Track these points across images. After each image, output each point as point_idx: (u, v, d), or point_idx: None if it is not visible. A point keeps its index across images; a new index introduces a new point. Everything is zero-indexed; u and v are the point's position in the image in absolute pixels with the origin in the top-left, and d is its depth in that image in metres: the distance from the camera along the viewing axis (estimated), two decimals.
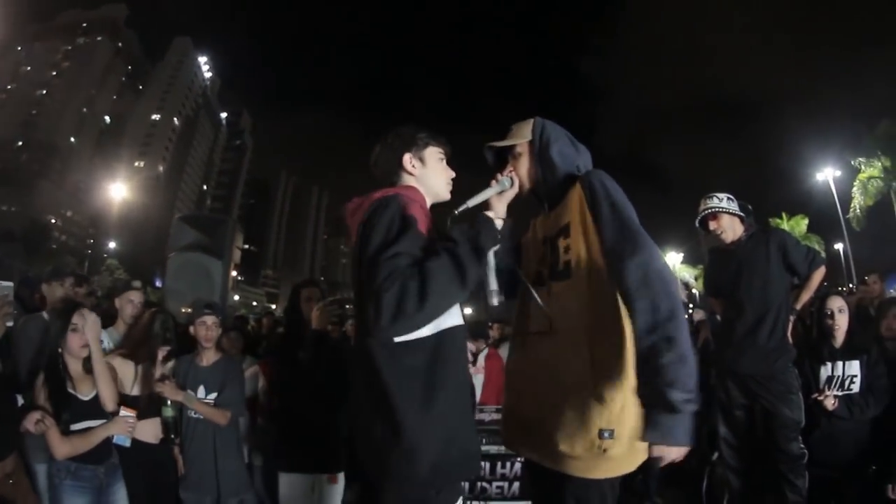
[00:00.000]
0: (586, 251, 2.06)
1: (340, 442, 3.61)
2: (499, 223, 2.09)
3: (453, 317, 1.89)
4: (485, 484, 4.06)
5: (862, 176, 26.12)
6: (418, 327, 1.74)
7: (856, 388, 3.74)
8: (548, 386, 2.05)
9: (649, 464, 2.00)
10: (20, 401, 2.96)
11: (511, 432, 2.34)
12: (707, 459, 4.50)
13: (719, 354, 4.11)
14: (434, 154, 2.12)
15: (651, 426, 1.85)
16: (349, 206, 2.01)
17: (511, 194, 2.23)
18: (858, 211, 26.28)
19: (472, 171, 2.35)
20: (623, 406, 1.89)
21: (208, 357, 3.77)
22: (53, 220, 78.01)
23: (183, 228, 7.21)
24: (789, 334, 3.85)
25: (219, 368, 3.75)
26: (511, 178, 2.23)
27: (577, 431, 1.91)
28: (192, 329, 3.77)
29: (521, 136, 2.33)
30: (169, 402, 3.49)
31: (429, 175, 2.10)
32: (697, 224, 4.02)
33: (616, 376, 1.90)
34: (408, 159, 2.07)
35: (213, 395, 3.67)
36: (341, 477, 3.61)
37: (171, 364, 3.68)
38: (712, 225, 3.94)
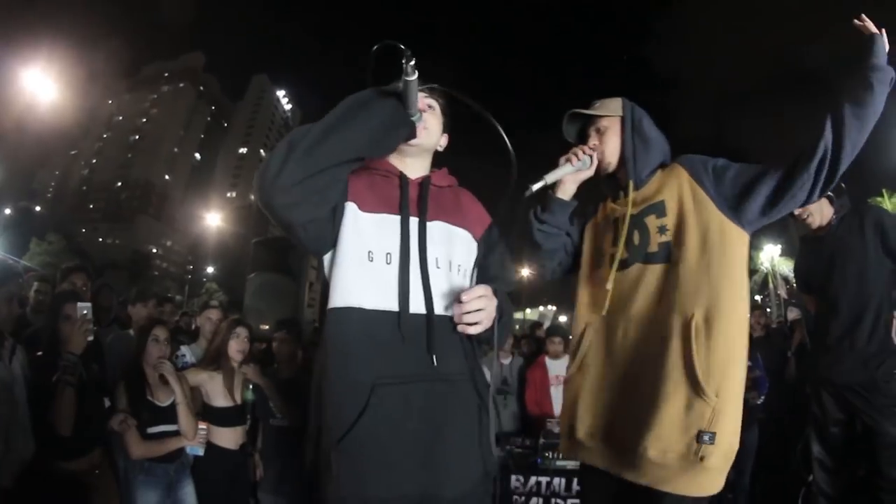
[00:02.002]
0: (698, 233, 1.82)
1: None
2: (567, 204, 2.03)
3: (339, 296, 1.54)
4: (559, 501, 3.91)
5: None
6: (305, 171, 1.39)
7: None
8: (632, 381, 1.82)
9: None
10: (107, 403, 3.22)
11: (577, 438, 1.95)
12: (803, 480, 3.96)
13: (812, 360, 3.48)
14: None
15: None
16: None
17: (587, 174, 2.05)
18: None
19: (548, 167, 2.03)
20: (728, 404, 1.66)
21: (287, 369, 3.91)
22: (154, 250, 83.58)
23: (260, 251, 7.46)
24: (894, 334, 3.08)
25: (297, 382, 3.82)
26: (591, 157, 2.02)
27: (671, 433, 1.66)
28: (273, 346, 3.99)
29: (611, 111, 2.09)
30: (251, 386, 3.67)
31: None
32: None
33: (724, 370, 1.68)
34: None
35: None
36: None
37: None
38: (797, 209, 3.30)
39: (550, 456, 4.13)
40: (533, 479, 3.95)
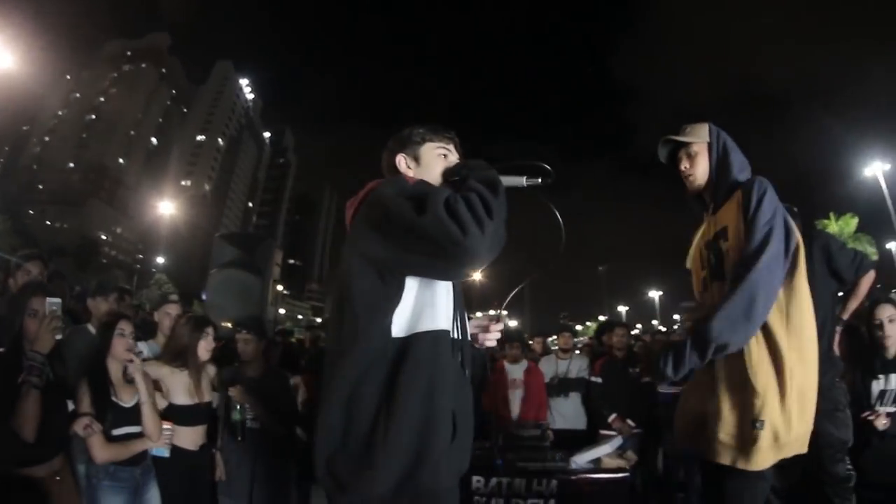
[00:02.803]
0: (736, 254, 2.26)
1: None
2: None
3: (432, 319, 1.71)
4: (520, 501, 3.96)
5: None
6: (498, 243, 1.58)
7: (891, 404, 3.44)
8: (710, 380, 2.29)
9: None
10: (70, 406, 3.07)
11: (680, 429, 2.53)
12: None
13: None
14: (431, 150, 2.01)
15: None
16: (348, 204, 1.91)
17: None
18: None
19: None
20: (775, 399, 2.13)
21: (255, 369, 3.85)
22: (104, 237, 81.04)
23: (223, 246, 7.31)
24: (836, 347, 3.56)
25: (268, 381, 3.81)
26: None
27: (732, 421, 2.18)
28: (238, 346, 3.89)
29: (700, 137, 2.51)
30: (238, 407, 3.59)
31: (425, 173, 1.96)
32: None
33: (771, 372, 2.15)
34: (400, 160, 2.00)
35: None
36: None
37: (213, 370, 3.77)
38: None
39: (511, 457, 4.19)
40: (494, 480, 3.99)
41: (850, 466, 3.35)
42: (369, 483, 1.55)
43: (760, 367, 2.16)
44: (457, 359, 1.77)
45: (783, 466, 3.55)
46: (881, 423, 3.39)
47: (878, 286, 4.19)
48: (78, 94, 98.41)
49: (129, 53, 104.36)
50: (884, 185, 26.21)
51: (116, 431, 3.06)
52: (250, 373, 3.83)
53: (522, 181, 1.84)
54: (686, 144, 2.52)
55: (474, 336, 1.99)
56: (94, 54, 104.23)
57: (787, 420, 2.14)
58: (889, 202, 25.69)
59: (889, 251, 28.90)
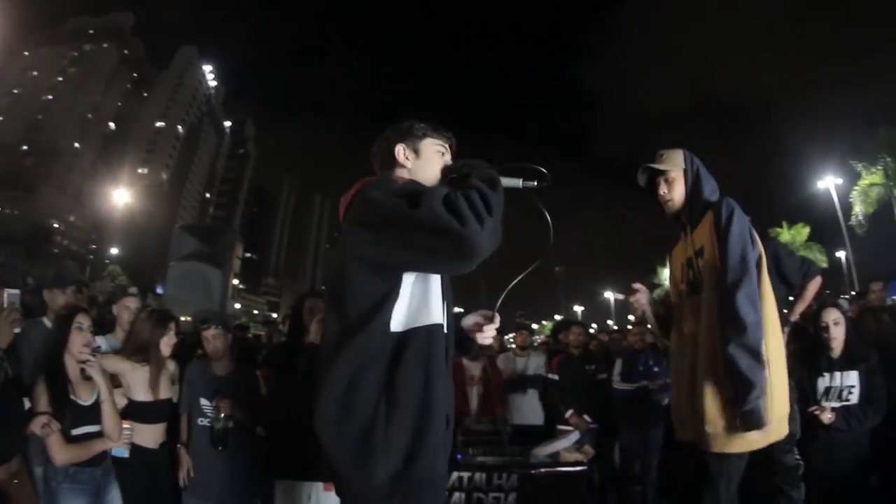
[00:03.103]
0: (711, 270, 2.62)
1: None
2: None
3: (429, 313, 1.75)
4: (481, 495, 4.02)
5: (863, 182, 25.92)
6: (495, 240, 1.61)
7: (854, 398, 3.73)
8: (698, 379, 2.61)
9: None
10: (27, 404, 2.98)
11: (676, 423, 2.88)
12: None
13: None
14: (431, 146, 2.02)
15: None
16: (342, 200, 1.96)
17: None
18: (861, 217, 26.00)
19: None
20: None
21: (223, 366, 3.76)
22: (56, 225, 78.14)
23: (184, 238, 7.26)
24: (783, 346, 3.78)
25: (235, 379, 3.75)
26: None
27: (719, 414, 2.53)
28: (206, 342, 3.76)
29: (676, 164, 2.83)
30: (222, 416, 3.50)
31: (422, 167, 1.99)
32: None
33: None
34: (400, 150, 2.00)
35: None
36: None
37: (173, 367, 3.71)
38: None
39: (471, 451, 4.26)
40: (454, 475, 4.03)
41: (798, 457, 3.62)
42: (367, 474, 1.59)
43: None
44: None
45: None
46: (826, 417, 3.66)
47: (827, 292, 4.47)
48: (35, 73, 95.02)
49: (90, 32, 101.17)
50: (835, 198, 27.29)
51: (76, 431, 2.98)
52: (219, 370, 3.76)
53: (519, 183, 1.90)
54: (664, 171, 2.83)
55: (471, 333, 2.06)
56: (55, 30, 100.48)
57: (768, 408, 2.44)
58: (840, 214, 26.73)
59: (839, 260, 29.91)
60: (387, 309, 1.68)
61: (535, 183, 1.92)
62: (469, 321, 2.09)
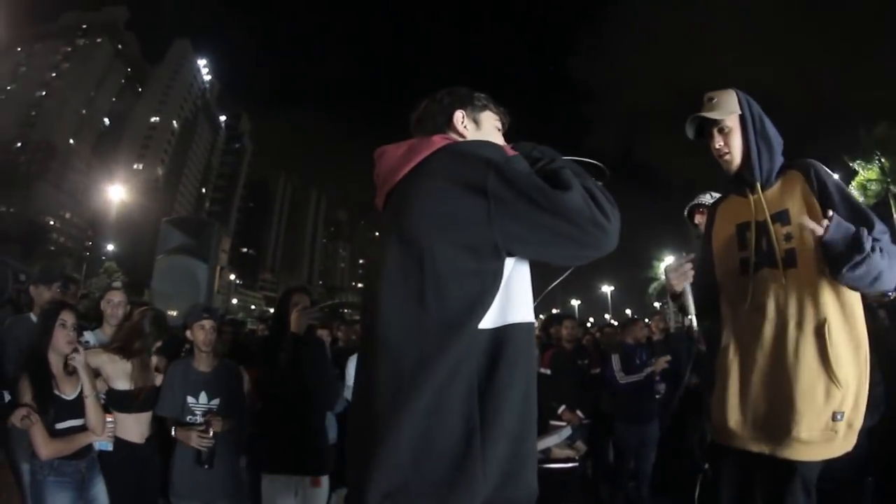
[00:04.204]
0: (814, 240, 2.00)
1: (325, 445, 3.65)
2: None
3: (524, 308, 1.47)
4: None
5: (860, 179, 26.11)
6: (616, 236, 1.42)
7: None
8: (779, 376, 2.10)
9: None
10: (7, 398, 3.04)
11: (729, 428, 2.25)
12: (699, 468, 4.39)
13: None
14: (490, 119, 1.76)
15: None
16: (389, 152, 1.62)
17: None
18: None
19: None
20: (856, 389, 2.06)
21: (207, 362, 3.67)
22: (51, 222, 78.17)
23: (170, 231, 7.16)
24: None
25: (220, 374, 3.67)
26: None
27: (815, 416, 2.03)
28: (188, 333, 3.65)
29: (730, 110, 2.27)
30: (212, 433, 3.40)
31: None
32: (686, 215, 3.75)
33: (853, 362, 2.06)
34: (460, 117, 1.70)
35: (216, 402, 3.59)
36: (325, 480, 3.61)
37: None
38: (698, 219, 3.63)
39: None
40: None
41: None
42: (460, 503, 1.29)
43: (844, 356, 2.05)
44: None
45: None
46: None
47: None
48: (28, 69, 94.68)
49: (84, 26, 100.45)
50: None
51: (60, 425, 3.00)
52: (203, 366, 3.67)
53: None
54: (717, 120, 2.29)
55: None
56: (49, 25, 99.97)
57: (857, 413, 2.09)
58: None
59: None
60: (488, 302, 1.37)
61: (594, 179, 1.67)
62: None
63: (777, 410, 2.08)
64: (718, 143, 2.30)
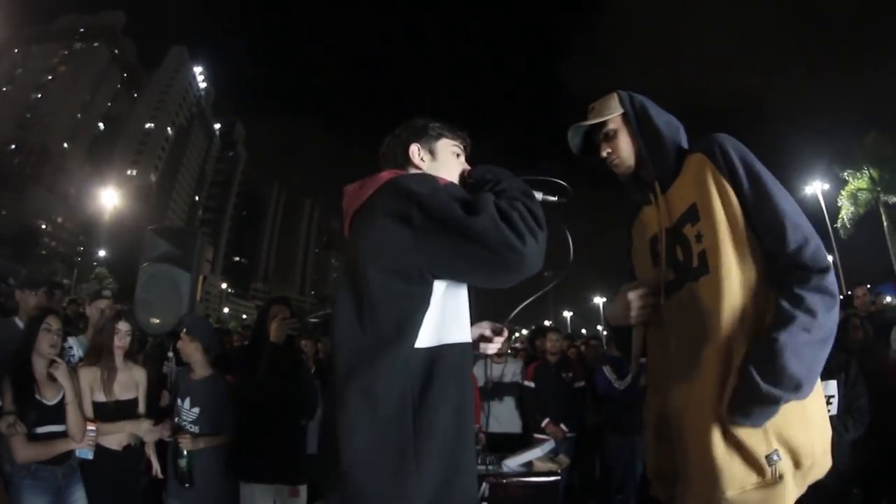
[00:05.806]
0: (728, 232, 1.66)
1: (302, 454, 3.68)
2: None
3: (459, 329, 1.56)
4: None
5: (849, 188, 26.38)
6: (542, 259, 1.45)
7: (833, 409, 3.52)
8: (694, 422, 1.64)
9: None
10: None
11: (653, 476, 1.91)
12: None
13: None
14: (447, 147, 1.84)
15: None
16: (348, 189, 1.73)
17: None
18: (847, 222, 26.37)
19: None
20: (786, 417, 1.55)
21: (199, 372, 3.72)
22: (44, 226, 77.68)
23: (155, 240, 7.09)
24: None
25: (207, 385, 3.70)
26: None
27: (741, 469, 1.55)
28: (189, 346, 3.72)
29: (611, 110, 1.94)
30: (185, 453, 3.45)
31: (438, 169, 1.77)
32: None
33: None
34: (415, 150, 1.80)
35: (196, 410, 3.61)
36: (303, 490, 3.61)
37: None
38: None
39: None
40: None
41: None
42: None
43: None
44: None
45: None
46: None
47: None
48: (24, 71, 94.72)
49: (81, 30, 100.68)
50: (822, 203, 27.52)
51: (39, 430, 3.02)
52: (194, 375, 3.72)
53: (539, 197, 1.73)
54: (600, 126, 1.97)
55: (475, 344, 1.82)
56: (46, 28, 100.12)
57: (804, 440, 1.59)
58: (827, 219, 27.02)
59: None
60: (418, 322, 1.47)
61: (556, 198, 1.78)
62: (474, 332, 1.82)
63: (700, 467, 1.61)
64: (605, 150, 1.96)
